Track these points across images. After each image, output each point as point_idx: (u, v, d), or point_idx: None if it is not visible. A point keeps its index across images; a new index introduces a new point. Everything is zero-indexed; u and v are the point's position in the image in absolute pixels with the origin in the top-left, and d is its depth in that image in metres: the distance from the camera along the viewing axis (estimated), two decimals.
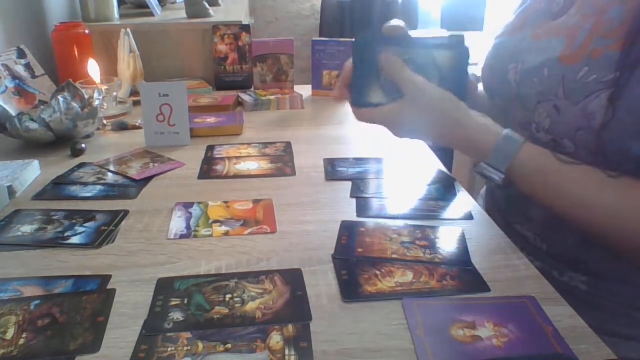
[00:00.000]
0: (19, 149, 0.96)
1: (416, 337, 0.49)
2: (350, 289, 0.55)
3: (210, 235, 0.67)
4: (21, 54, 1.13)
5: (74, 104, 0.95)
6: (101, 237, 0.66)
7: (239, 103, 1.25)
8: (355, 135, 1.04)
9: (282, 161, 0.90)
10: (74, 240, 0.65)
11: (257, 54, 1.30)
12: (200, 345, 0.48)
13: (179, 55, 1.40)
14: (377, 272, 0.58)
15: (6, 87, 1.06)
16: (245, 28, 1.34)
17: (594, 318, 0.53)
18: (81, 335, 0.49)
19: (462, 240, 0.65)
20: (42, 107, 0.99)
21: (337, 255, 0.62)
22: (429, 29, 3.04)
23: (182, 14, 1.49)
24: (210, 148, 0.96)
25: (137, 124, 1.07)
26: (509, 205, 0.78)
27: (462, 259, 0.61)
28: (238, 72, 1.36)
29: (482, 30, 2.64)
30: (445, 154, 0.89)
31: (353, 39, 0.69)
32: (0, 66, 1.06)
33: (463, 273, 0.59)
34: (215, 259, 0.62)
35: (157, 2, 1.57)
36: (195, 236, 0.67)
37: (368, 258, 0.61)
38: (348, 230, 0.67)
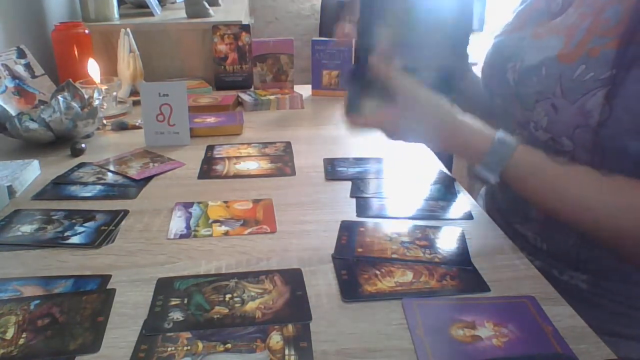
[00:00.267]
0: (19, 149, 0.96)
1: (416, 337, 0.49)
2: (350, 289, 0.55)
3: (210, 235, 0.67)
4: (21, 54, 1.13)
5: (74, 104, 0.95)
6: (101, 237, 0.66)
7: (239, 103, 1.25)
8: (355, 135, 1.04)
9: (282, 161, 0.90)
10: (74, 240, 0.65)
11: (257, 54, 1.30)
12: (200, 345, 0.48)
13: (179, 55, 1.40)
14: (377, 272, 0.58)
15: (6, 87, 1.06)
16: (245, 28, 1.34)
17: (594, 318, 0.53)
18: (81, 335, 0.49)
19: (462, 240, 0.65)
20: (42, 107, 0.99)
21: (337, 255, 0.62)
22: None
23: (182, 14, 1.49)
24: (210, 148, 0.96)
25: (137, 124, 1.07)
26: (509, 205, 0.78)
27: (462, 259, 0.61)
28: (238, 72, 1.36)
29: (482, 31, 2.63)
30: (445, 154, 0.89)
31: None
32: (0, 66, 1.06)
33: (463, 273, 0.59)
34: (215, 259, 0.62)
35: (157, 2, 1.57)
36: (195, 236, 0.67)
37: (368, 258, 0.61)
38: (348, 230, 0.67)
